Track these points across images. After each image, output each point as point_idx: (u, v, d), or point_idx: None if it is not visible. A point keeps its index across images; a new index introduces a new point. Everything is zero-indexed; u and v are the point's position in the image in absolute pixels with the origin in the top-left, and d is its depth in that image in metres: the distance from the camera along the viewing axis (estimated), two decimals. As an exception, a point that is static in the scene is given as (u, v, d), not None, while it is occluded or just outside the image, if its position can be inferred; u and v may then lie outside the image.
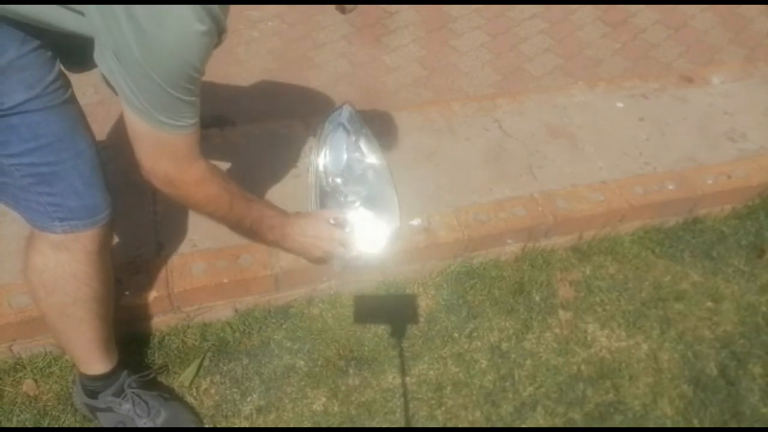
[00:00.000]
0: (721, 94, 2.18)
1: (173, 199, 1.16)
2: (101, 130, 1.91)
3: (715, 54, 2.71)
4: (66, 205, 1.07)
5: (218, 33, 0.93)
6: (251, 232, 1.33)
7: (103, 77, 0.99)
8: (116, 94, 1.00)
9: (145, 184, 1.11)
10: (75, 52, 1.05)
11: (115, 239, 1.39)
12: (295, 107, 2.20)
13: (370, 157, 1.65)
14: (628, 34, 2.78)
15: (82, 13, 0.91)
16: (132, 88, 0.94)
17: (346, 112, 1.62)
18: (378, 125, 1.77)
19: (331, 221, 1.45)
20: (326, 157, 1.59)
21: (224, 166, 1.72)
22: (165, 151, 1.06)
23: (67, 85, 1.05)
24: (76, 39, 0.97)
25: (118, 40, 0.89)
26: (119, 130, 1.99)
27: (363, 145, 1.65)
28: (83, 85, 1.13)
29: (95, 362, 1.28)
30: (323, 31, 2.64)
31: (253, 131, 1.83)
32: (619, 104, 2.10)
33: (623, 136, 1.97)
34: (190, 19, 0.87)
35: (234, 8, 1.00)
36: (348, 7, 1.19)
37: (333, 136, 1.61)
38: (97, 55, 0.94)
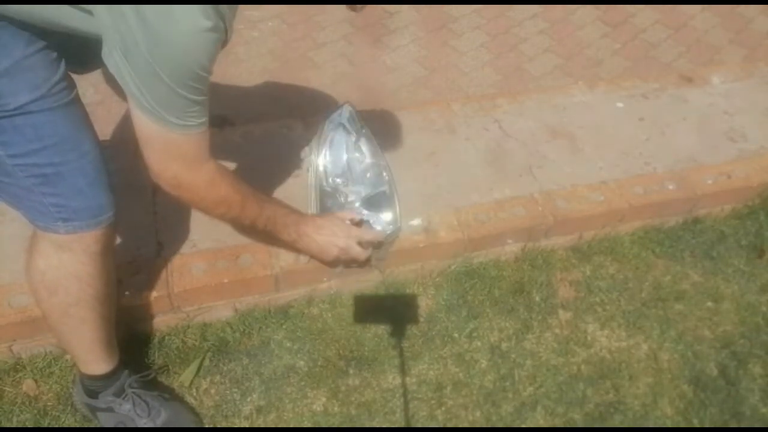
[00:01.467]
0: (721, 94, 2.18)
1: (184, 201, 1.15)
2: (102, 130, 1.89)
3: (715, 54, 2.71)
4: (70, 205, 1.07)
5: (225, 31, 0.92)
6: (266, 232, 1.31)
7: (105, 75, 0.98)
8: (120, 94, 0.99)
9: (146, 184, 1.11)
10: (78, 53, 1.04)
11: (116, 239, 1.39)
12: (295, 107, 2.19)
13: (370, 157, 1.65)
14: (628, 34, 2.78)
15: (90, 13, 0.91)
16: (140, 87, 0.93)
17: (346, 112, 1.62)
18: (378, 125, 1.77)
19: (347, 221, 1.44)
20: (326, 157, 1.59)
21: (225, 166, 1.71)
22: (174, 153, 1.05)
23: (72, 86, 1.05)
24: (80, 40, 0.97)
25: (127, 38, 0.88)
26: (120, 130, 2.01)
27: (363, 145, 1.64)
28: (83, 85, 1.12)
29: (96, 362, 1.28)
30: (323, 31, 2.64)
31: (253, 131, 1.83)
32: (619, 104, 2.10)
33: (623, 136, 1.97)
34: (197, 16, 0.86)
35: (234, 8, 1.00)
36: (358, 6, 1.20)
37: (333, 136, 1.61)
38: (105, 55, 0.93)
